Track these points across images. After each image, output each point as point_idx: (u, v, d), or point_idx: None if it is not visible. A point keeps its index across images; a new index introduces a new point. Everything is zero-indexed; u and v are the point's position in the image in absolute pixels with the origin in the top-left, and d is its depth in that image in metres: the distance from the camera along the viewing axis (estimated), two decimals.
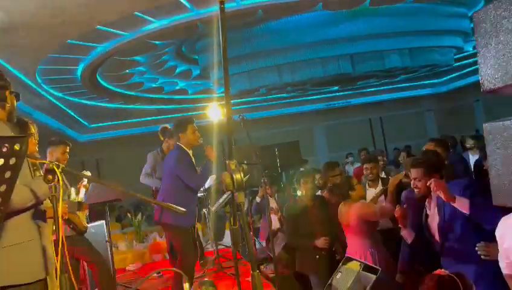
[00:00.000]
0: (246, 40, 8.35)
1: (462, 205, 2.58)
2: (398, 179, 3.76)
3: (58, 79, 8.59)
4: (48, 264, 2.03)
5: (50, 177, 1.78)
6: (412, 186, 2.92)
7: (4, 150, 1.43)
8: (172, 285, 4.02)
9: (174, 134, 4.21)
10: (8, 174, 1.46)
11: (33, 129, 2.92)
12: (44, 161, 1.83)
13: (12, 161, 1.46)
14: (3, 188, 1.47)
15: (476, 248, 2.54)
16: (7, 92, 2.18)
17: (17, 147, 1.49)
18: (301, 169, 5.34)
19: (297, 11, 8.07)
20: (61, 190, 1.82)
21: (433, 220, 2.85)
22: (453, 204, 2.61)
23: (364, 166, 4.59)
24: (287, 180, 5.32)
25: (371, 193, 4.43)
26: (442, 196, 2.62)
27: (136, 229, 7.46)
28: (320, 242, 3.92)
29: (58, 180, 1.78)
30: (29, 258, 1.98)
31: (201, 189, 5.69)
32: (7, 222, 1.89)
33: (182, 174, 3.96)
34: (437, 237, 2.84)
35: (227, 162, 1.40)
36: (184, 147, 4.06)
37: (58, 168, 1.77)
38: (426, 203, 2.93)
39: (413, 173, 2.86)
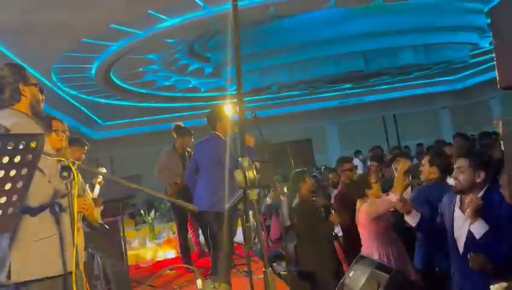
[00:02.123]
0: (258, 37, 8.34)
1: (477, 229, 2.52)
2: (407, 167, 3.66)
3: (73, 78, 8.71)
4: (67, 260, 2.07)
5: (66, 174, 1.80)
6: (453, 176, 2.71)
7: (21, 147, 1.46)
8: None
9: (210, 122, 4.20)
10: (24, 171, 1.49)
11: (59, 125, 2.90)
12: (60, 158, 1.85)
13: (28, 157, 1.49)
14: (20, 184, 1.50)
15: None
16: (20, 85, 2.19)
17: (33, 144, 1.52)
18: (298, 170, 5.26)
19: (309, 8, 8.03)
20: (76, 187, 1.84)
21: (465, 221, 2.64)
22: (471, 222, 2.54)
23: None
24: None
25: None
26: (468, 211, 2.55)
27: (149, 227, 7.53)
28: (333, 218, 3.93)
29: (74, 177, 1.80)
30: (52, 253, 2.05)
31: None
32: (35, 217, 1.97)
33: (227, 160, 3.92)
34: (462, 241, 2.67)
35: (239, 159, 1.40)
36: (221, 136, 4.09)
37: (73, 165, 1.79)
38: (457, 199, 2.75)
39: (458, 162, 2.66)
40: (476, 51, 10.84)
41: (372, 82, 12.21)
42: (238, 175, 1.36)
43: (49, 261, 2.04)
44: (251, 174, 1.36)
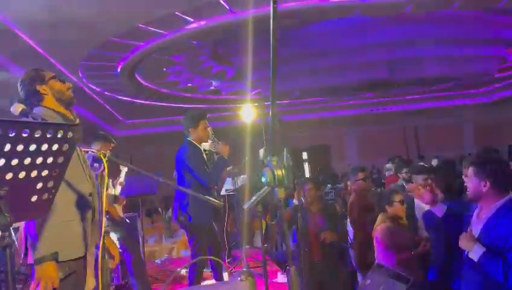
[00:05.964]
0: (282, 42, 8.37)
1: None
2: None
3: (99, 75, 8.90)
4: (87, 243, 2.12)
5: (96, 165, 1.86)
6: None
7: (59, 136, 1.51)
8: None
9: (184, 128, 3.88)
10: (61, 159, 1.54)
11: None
12: (91, 150, 1.92)
13: (65, 147, 1.54)
14: (55, 172, 1.55)
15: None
16: (37, 86, 2.21)
17: (69, 134, 1.57)
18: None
19: (335, 16, 8.03)
20: (106, 179, 1.90)
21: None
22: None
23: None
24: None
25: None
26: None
27: (165, 225, 7.62)
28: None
29: (104, 168, 1.86)
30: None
31: (231, 188, 5.70)
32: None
33: (193, 171, 3.73)
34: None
35: (268, 158, 1.42)
36: (195, 143, 3.85)
37: (104, 157, 1.85)
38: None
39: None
40: (503, 65, 10.64)
41: (394, 92, 12.09)
42: (267, 173, 1.38)
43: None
44: (279, 172, 1.38)
